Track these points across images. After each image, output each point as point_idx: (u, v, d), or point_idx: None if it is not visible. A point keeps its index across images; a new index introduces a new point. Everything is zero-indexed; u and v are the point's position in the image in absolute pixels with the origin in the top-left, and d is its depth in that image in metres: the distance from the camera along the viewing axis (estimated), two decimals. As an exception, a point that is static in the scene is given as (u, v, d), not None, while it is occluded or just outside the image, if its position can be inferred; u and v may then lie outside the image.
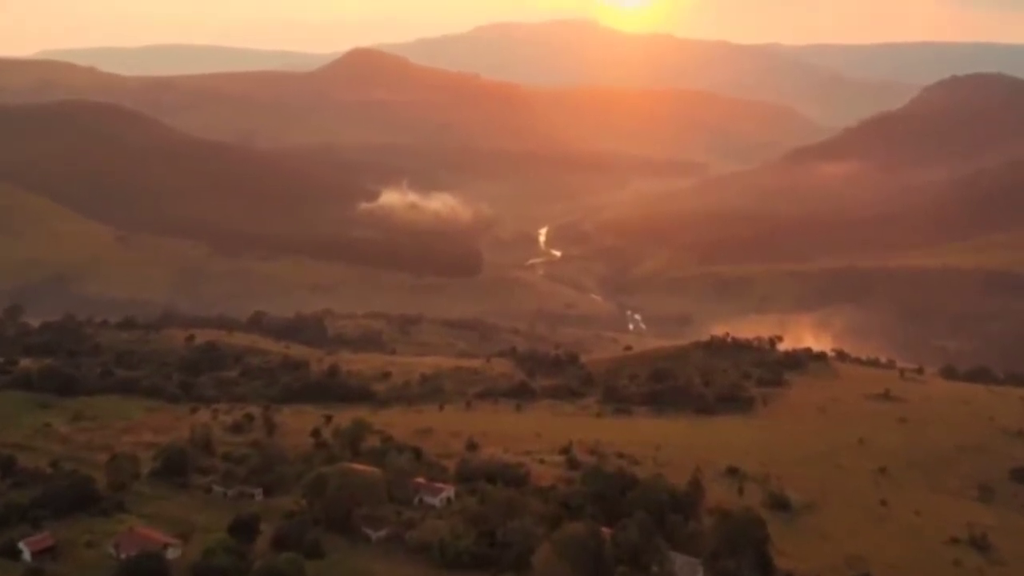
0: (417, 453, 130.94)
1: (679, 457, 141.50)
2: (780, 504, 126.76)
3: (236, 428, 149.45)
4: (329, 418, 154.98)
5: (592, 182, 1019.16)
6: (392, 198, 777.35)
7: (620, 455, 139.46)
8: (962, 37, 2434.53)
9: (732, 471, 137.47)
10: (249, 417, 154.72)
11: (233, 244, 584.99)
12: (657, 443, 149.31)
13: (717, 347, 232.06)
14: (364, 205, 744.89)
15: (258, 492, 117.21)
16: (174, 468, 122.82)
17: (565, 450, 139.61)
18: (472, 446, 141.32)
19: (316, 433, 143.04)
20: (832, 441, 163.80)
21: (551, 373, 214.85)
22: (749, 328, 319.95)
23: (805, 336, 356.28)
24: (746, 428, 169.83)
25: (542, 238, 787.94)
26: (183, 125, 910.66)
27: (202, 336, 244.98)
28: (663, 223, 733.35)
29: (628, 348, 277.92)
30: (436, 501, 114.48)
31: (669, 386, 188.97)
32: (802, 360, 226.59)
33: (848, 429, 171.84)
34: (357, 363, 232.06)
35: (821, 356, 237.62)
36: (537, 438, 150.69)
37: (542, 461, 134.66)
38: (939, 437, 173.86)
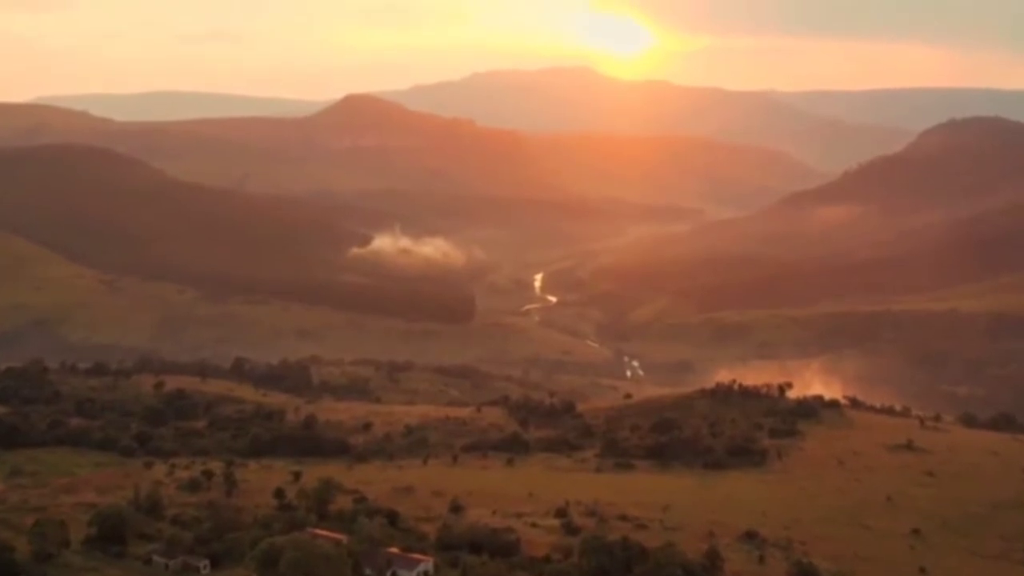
0: (392, 517, 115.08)
1: (690, 519, 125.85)
2: (808, 575, 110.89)
3: (192, 486, 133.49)
4: (298, 475, 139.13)
5: (588, 228, 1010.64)
6: (384, 243, 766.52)
7: (623, 518, 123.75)
8: (960, 83, 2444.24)
9: (750, 535, 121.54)
10: (208, 473, 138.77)
11: (220, 289, 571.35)
12: (664, 503, 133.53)
13: (723, 395, 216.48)
14: (355, 250, 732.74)
15: (204, 564, 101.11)
16: (112, 534, 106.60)
17: (561, 512, 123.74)
18: (456, 508, 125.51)
19: (280, 493, 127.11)
20: (857, 498, 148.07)
21: (546, 423, 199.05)
22: (752, 375, 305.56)
23: (813, 383, 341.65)
24: (761, 485, 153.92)
25: (537, 284, 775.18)
26: (176, 170, 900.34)
27: (175, 383, 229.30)
28: (660, 269, 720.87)
29: (628, 396, 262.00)
30: (412, 575, 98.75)
31: (674, 438, 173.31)
32: (815, 408, 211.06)
33: (873, 484, 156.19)
34: (338, 412, 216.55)
35: (834, 404, 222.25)
36: (529, 498, 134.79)
37: (535, 525, 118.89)
38: (972, 493, 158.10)
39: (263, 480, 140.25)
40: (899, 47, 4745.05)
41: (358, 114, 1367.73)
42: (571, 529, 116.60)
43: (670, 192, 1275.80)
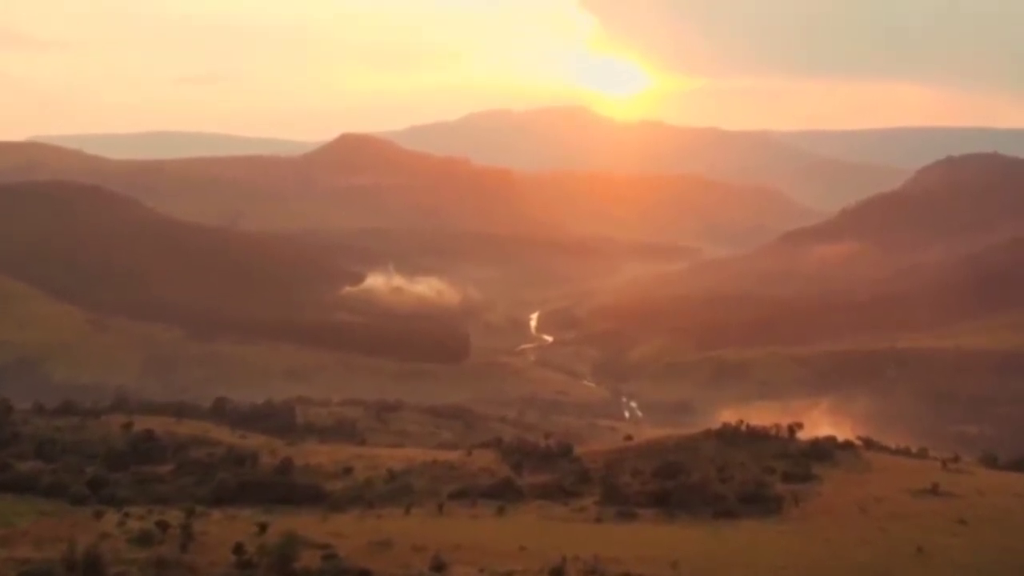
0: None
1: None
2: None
3: (143, 539, 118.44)
4: (264, 526, 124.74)
5: (584, 267, 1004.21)
6: (377, 282, 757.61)
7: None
8: (956, 122, 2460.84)
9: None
10: (164, 525, 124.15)
11: (210, 328, 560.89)
12: (672, 558, 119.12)
13: (730, 436, 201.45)
14: (347, 289, 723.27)
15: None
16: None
17: (557, 570, 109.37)
18: (439, 565, 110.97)
19: (239, 548, 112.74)
20: (885, 550, 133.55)
21: (541, 467, 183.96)
22: (755, 415, 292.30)
23: (821, 423, 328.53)
24: (778, 536, 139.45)
25: (533, 323, 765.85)
26: (170, 209, 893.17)
27: (147, 424, 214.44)
28: (658, 307, 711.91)
29: (628, 438, 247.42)
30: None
31: (681, 483, 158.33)
32: (829, 450, 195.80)
33: (900, 534, 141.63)
34: (319, 455, 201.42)
35: (849, 445, 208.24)
36: (522, 552, 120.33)
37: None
38: (1009, 541, 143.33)
39: (225, 532, 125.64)
40: (895, 87, 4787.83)
41: (353, 153, 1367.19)
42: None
43: (667, 231, 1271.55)
